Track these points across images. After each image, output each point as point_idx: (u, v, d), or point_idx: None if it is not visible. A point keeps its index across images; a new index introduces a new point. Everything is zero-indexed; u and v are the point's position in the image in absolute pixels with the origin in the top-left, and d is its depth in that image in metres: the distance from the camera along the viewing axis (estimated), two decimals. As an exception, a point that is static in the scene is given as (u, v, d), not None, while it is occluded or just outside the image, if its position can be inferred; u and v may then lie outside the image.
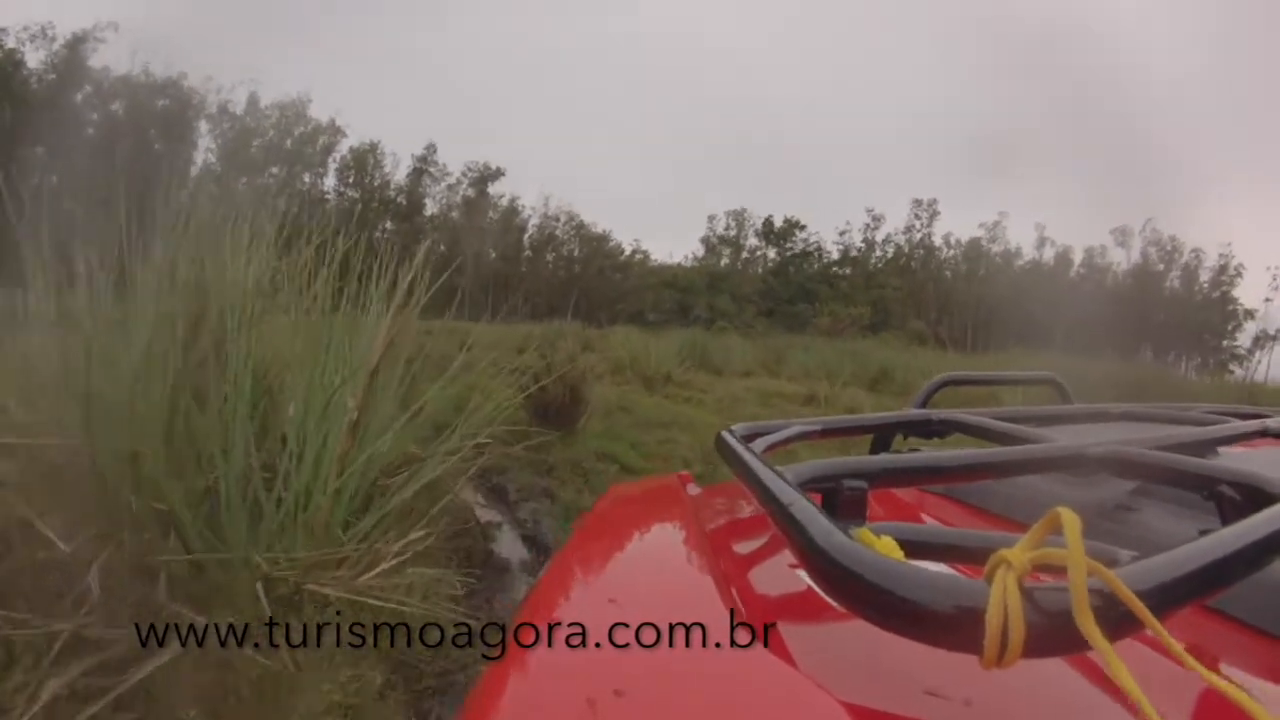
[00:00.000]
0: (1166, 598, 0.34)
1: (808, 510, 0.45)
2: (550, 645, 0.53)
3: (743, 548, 0.72)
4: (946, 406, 0.97)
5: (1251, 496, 0.52)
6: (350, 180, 65.78)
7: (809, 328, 42.82)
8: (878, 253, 66.80)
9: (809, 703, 0.39)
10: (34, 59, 51.36)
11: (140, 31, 59.50)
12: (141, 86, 55.15)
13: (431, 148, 69.00)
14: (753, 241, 69.81)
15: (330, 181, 65.49)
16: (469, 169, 70.12)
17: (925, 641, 0.35)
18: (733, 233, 69.99)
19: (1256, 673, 0.50)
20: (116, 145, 52.09)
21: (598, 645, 0.51)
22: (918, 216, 65.95)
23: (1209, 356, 62.07)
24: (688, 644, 0.48)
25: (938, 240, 66.62)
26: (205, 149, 59.15)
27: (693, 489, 1.00)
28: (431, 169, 69.06)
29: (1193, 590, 0.37)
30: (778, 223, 67.02)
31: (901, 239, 66.67)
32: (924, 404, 1.02)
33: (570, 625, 0.56)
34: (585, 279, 73.65)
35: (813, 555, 0.41)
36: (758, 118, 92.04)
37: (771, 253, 67.81)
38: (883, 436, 0.93)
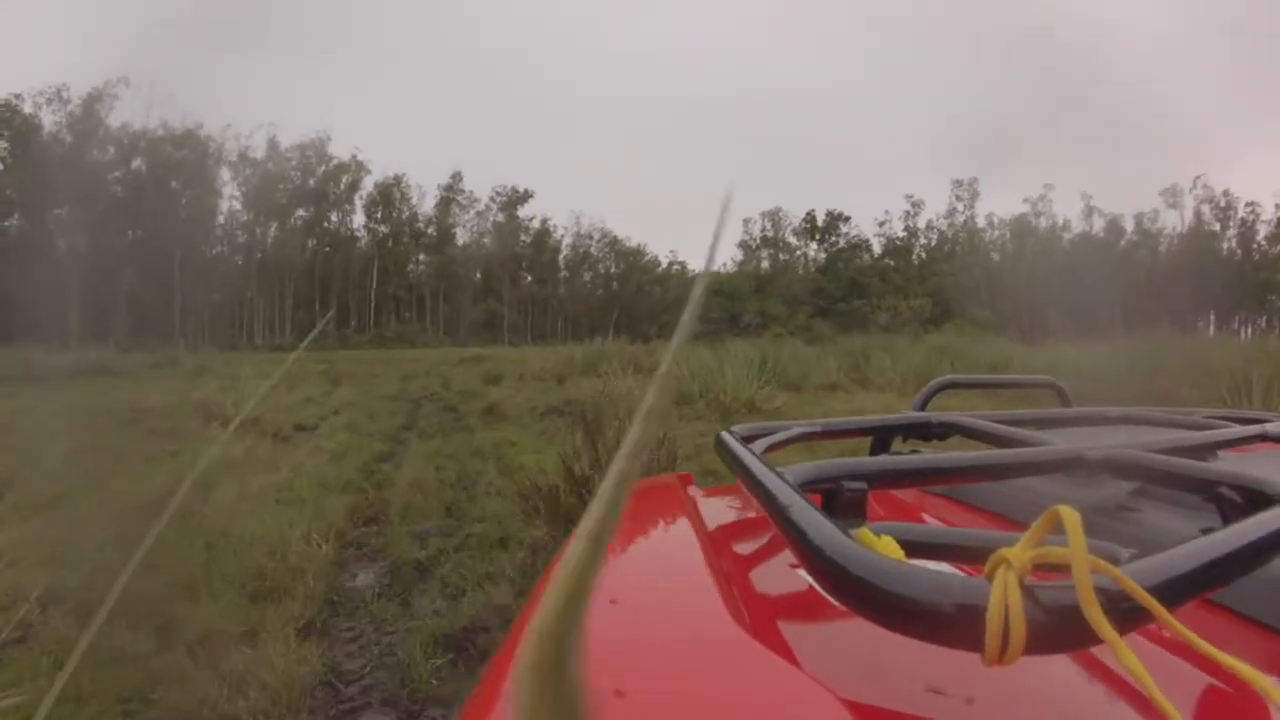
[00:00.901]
0: (1168, 595, 0.34)
1: (808, 511, 0.45)
2: None
3: (743, 548, 0.73)
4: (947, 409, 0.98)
5: (1252, 499, 0.52)
6: (378, 215, 64.04)
7: (867, 325, 39.84)
8: (921, 240, 63.93)
9: (810, 702, 0.39)
10: (50, 120, 51.35)
11: (152, 84, 58.97)
12: (160, 140, 54.35)
13: (457, 176, 68.22)
14: (791, 240, 67.50)
15: (359, 219, 64.33)
16: (497, 193, 69.14)
17: (927, 640, 0.35)
18: (770, 234, 67.48)
19: (1259, 666, 0.46)
20: (141, 202, 51.32)
21: (598, 645, 0.44)
22: (959, 198, 62.93)
23: (1276, 318, 58.09)
24: (689, 644, 0.49)
25: (980, 221, 63.56)
26: (229, 196, 58.49)
27: (693, 490, 1.01)
28: (459, 197, 67.98)
29: (1193, 588, 0.37)
30: (819, 218, 64.40)
31: (943, 223, 63.71)
32: (923, 406, 1.02)
33: None
34: (624, 295, 72.44)
35: (813, 555, 0.41)
36: (777, 114, 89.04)
37: (813, 249, 65.03)
38: (882, 438, 0.92)
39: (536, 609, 0.52)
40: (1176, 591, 0.35)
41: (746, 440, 0.72)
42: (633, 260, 73.63)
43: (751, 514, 0.79)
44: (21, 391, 16.82)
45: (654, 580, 0.66)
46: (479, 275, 67.75)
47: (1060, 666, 0.44)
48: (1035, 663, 0.33)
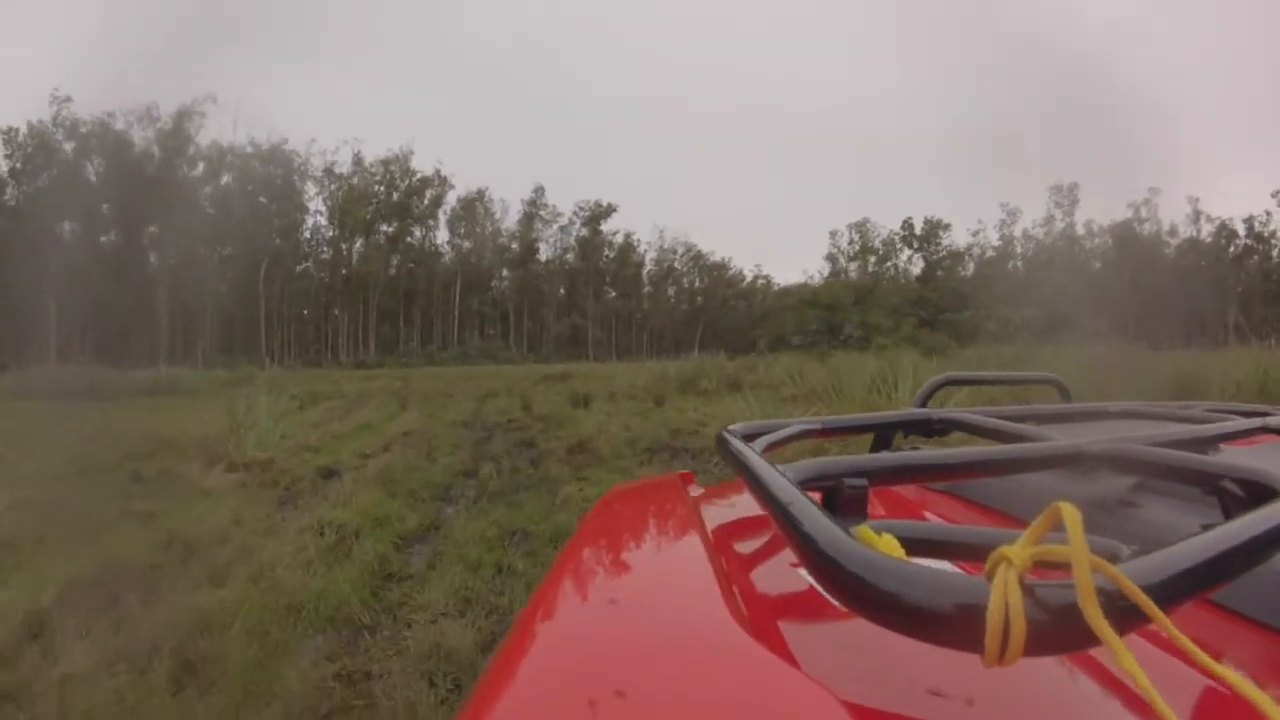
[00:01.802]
0: (1170, 592, 0.34)
1: (808, 509, 0.44)
2: (551, 645, 0.54)
3: (744, 547, 0.73)
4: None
5: (1254, 492, 0.51)
6: (461, 230, 62.44)
7: (977, 335, 36.09)
8: (1019, 249, 59.35)
9: (810, 702, 0.38)
10: (140, 137, 51.05)
11: (239, 101, 58.67)
12: (247, 156, 53.99)
13: (540, 190, 66.18)
14: (879, 249, 63.51)
15: (442, 234, 62.92)
16: (580, 208, 67.05)
17: (926, 640, 0.35)
18: (857, 246, 63.85)
19: (1259, 666, 0.49)
20: (229, 218, 50.82)
21: (599, 645, 0.51)
22: (1058, 205, 58.07)
23: None
24: (689, 644, 0.48)
25: (1079, 229, 58.67)
26: (315, 211, 57.83)
27: (694, 489, 1.00)
28: (542, 211, 66.09)
29: (1196, 584, 0.36)
30: (918, 225, 60.34)
31: (1040, 231, 59.00)
32: (924, 403, 1.00)
33: (572, 625, 0.58)
34: (709, 310, 70.12)
35: (813, 554, 0.40)
36: (862, 122, 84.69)
37: (904, 258, 61.05)
38: (883, 435, 0.91)
39: (536, 609, 0.60)
40: (1178, 589, 0.34)
41: (747, 438, 0.70)
42: (717, 275, 71.36)
43: (752, 513, 0.76)
44: (47, 411, 15.14)
45: (654, 580, 0.67)
46: (562, 290, 65.77)
47: (1061, 667, 0.44)
48: (1036, 663, 0.33)
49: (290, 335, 54.89)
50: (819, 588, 0.42)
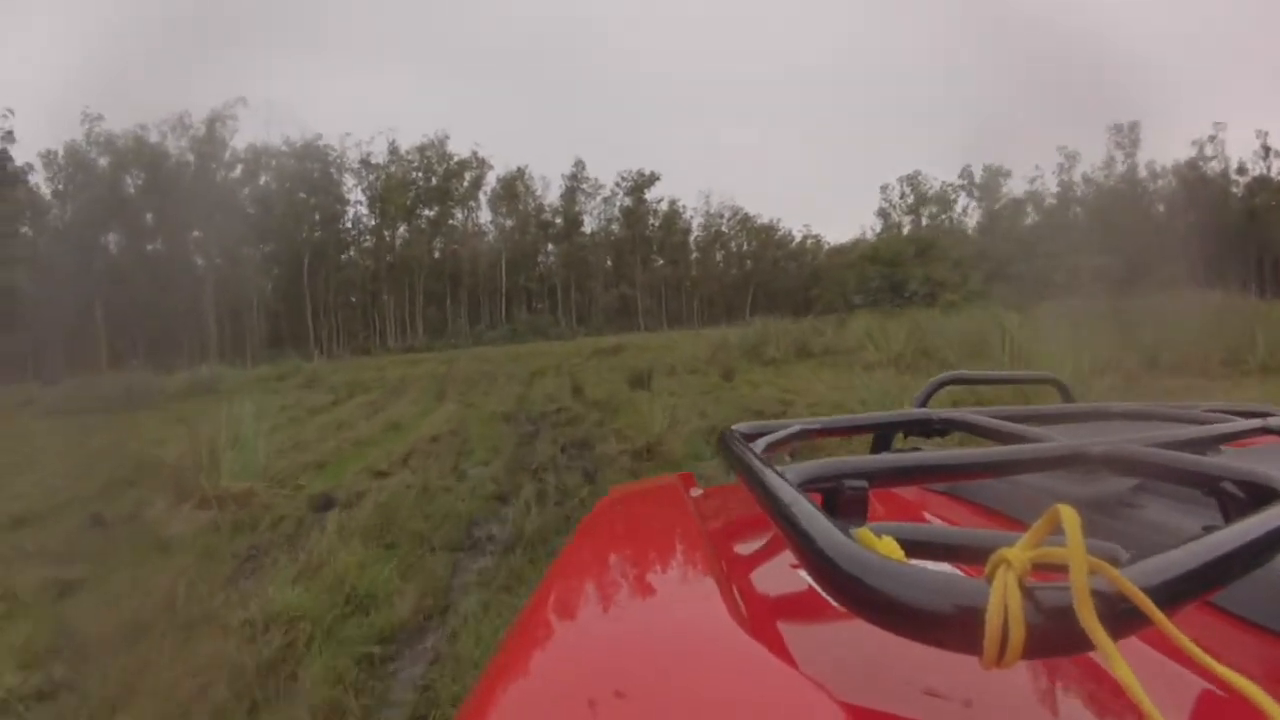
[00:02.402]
0: (1170, 595, 0.34)
1: (808, 510, 0.44)
2: (552, 645, 0.54)
3: (744, 548, 0.73)
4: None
5: (1254, 493, 0.50)
6: (503, 210, 60.89)
7: (1047, 288, 33.37)
8: (1079, 194, 55.01)
9: (809, 703, 0.38)
10: (175, 146, 50.22)
11: (270, 102, 57.70)
12: (283, 155, 53.45)
13: (580, 164, 64.23)
14: (932, 206, 60.49)
15: (485, 215, 61.59)
16: (622, 178, 64.76)
17: (926, 642, 0.35)
18: (910, 199, 60.75)
19: (1260, 669, 0.49)
20: (270, 216, 50.13)
21: (599, 645, 0.52)
22: (1119, 145, 53.70)
23: None
24: (689, 645, 0.48)
25: (1141, 170, 54.31)
26: (355, 202, 56.75)
27: (694, 490, 1.00)
28: (584, 185, 64.08)
29: (1196, 587, 0.36)
30: (977, 173, 56.61)
31: (1101, 174, 54.75)
32: (924, 403, 0.99)
33: (572, 625, 0.57)
34: (759, 273, 67.71)
35: (813, 556, 0.40)
36: (900, 78, 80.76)
37: (959, 209, 57.73)
38: (883, 435, 0.90)
39: (536, 610, 0.60)
40: (1178, 593, 0.35)
41: (747, 438, 0.68)
42: (765, 236, 68.84)
43: (753, 513, 0.70)
44: (68, 428, 13.83)
45: (654, 580, 0.66)
46: (609, 262, 63.89)
47: (1060, 669, 0.44)
48: (1034, 664, 0.34)
49: (338, 325, 53.79)
50: (819, 589, 0.42)
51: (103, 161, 47.86)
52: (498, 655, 0.52)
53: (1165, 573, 0.34)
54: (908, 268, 41.22)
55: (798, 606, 0.58)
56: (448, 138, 58.30)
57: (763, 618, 0.53)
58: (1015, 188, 55.72)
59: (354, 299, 54.73)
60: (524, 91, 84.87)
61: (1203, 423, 0.81)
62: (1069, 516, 0.33)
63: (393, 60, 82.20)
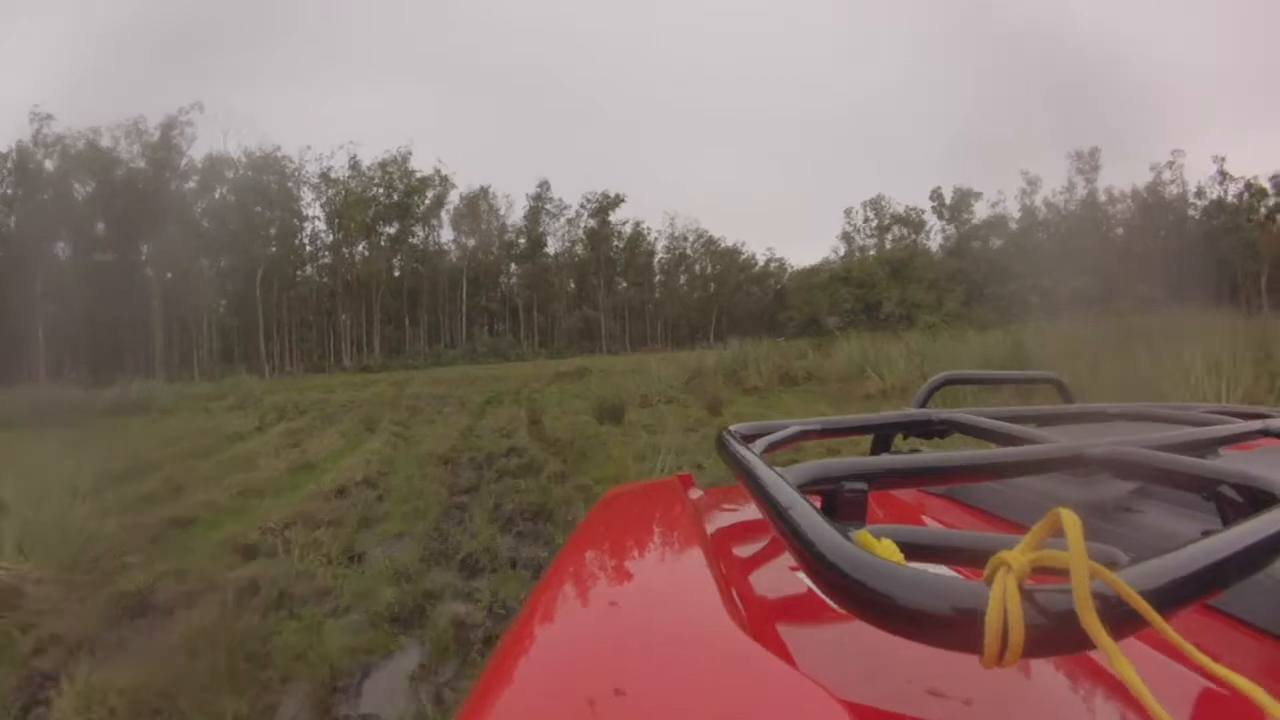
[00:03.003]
0: (1168, 598, 0.33)
1: (807, 513, 0.44)
2: (551, 645, 0.54)
3: (743, 549, 0.72)
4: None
5: (1252, 497, 0.50)
6: (465, 228, 58.75)
7: (1027, 310, 31.86)
8: (1041, 218, 53.34)
9: (809, 703, 0.38)
10: (128, 152, 47.46)
11: (228, 110, 54.93)
12: (240, 164, 50.81)
13: (545, 184, 61.80)
14: (896, 230, 58.73)
15: (446, 234, 59.07)
16: (587, 199, 62.42)
17: (926, 643, 0.34)
18: (873, 223, 59.40)
19: (1258, 671, 0.48)
20: (225, 229, 47.91)
21: (598, 645, 0.51)
22: (1080, 171, 52.35)
23: None
24: (688, 645, 0.48)
25: (1102, 195, 53.03)
26: (313, 217, 54.13)
27: (694, 491, 0.99)
28: (548, 205, 61.76)
29: (1194, 591, 0.36)
30: (947, 195, 54.53)
31: (1061, 199, 53.14)
32: (924, 403, 0.98)
33: (571, 625, 0.57)
34: (723, 296, 65.88)
35: (813, 559, 0.40)
36: (861, 103, 79.81)
37: (927, 231, 55.94)
38: (883, 437, 0.89)
39: (535, 610, 0.61)
40: (1175, 596, 0.34)
41: (747, 440, 0.68)
42: (729, 259, 66.98)
43: (751, 515, 0.75)
44: None
45: (653, 581, 0.66)
46: (572, 284, 61.84)
47: (1059, 669, 0.44)
48: (1034, 665, 0.34)
49: (292, 342, 51.03)
50: (818, 591, 0.42)
51: (49, 164, 44.96)
52: (497, 655, 0.52)
53: (1163, 576, 0.34)
54: (881, 289, 39.25)
55: (797, 608, 0.57)
56: (410, 153, 55.77)
57: (761, 619, 0.53)
58: (982, 211, 54.70)
59: (310, 316, 51.85)
60: (488, 110, 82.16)
61: (1202, 424, 0.81)
62: (1070, 520, 0.33)
63: (356, 75, 79.52)
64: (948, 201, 53.97)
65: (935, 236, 55.52)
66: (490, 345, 54.45)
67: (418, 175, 56.10)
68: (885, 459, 0.65)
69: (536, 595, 0.64)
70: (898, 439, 0.89)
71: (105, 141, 45.98)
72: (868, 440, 0.88)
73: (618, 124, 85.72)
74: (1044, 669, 0.43)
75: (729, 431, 0.71)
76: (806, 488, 0.50)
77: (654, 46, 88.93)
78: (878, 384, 12.79)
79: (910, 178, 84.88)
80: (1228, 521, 0.47)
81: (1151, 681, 0.31)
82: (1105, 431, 0.83)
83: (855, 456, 0.59)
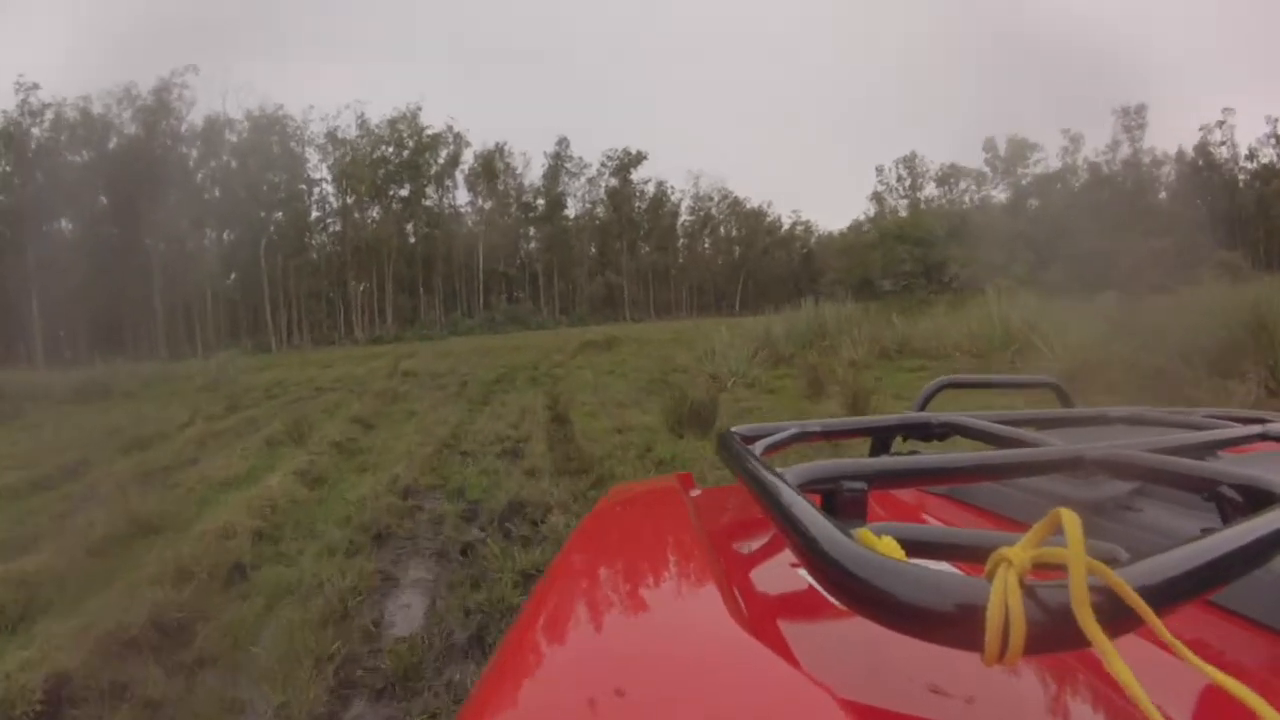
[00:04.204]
0: (1165, 595, 0.33)
1: (808, 511, 0.43)
2: (552, 645, 0.53)
3: (743, 548, 0.72)
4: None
5: (1252, 497, 0.49)
6: (481, 189, 54.48)
7: (1109, 273, 27.40)
8: (1102, 174, 48.50)
9: (810, 702, 0.38)
10: (124, 118, 43.72)
11: (225, 70, 50.65)
12: (239, 127, 46.85)
13: (564, 141, 57.28)
14: (929, 190, 54.38)
15: (462, 196, 54.81)
16: (608, 158, 58.02)
17: (927, 639, 0.34)
18: (907, 182, 54.61)
19: (1258, 667, 0.48)
20: (226, 192, 44.96)
21: (598, 645, 0.51)
22: (1126, 129, 47.63)
23: None
24: (689, 644, 0.47)
25: (1148, 155, 48.45)
26: (321, 180, 49.93)
27: (694, 490, 0.96)
28: (568, 164, 57.39)
29: (1191, 589, 0.36)
30: (1001, 145, 48.93)
31: (1103, 159, 48.55)
32: (923, 406, 0.98)
33: (571, 625, 0.56)
34: (749, 260, 61.82)
35: (813, 555, 0.39)
36: (888, 59, 74.31)
37: (961, 188, 51.23)
38: (882, 439, 0.86)
39: (537, 609, 0.59)
40: (1174, 593, 0.34)
41: (747, 440, 0.67)
42: (755, 222, 62.55)
43: (751, 514, 0.74)
44: None
45: (654, 580, 0.65)
46: (594, 248, 57.63)
47: (1060, 667, 0.43)
48: (1034, 663, 0.33)
49: (300, 313, 47.20)
50: (819, 588, 0.41)
51: (36, 132, 41.15)
52: (499, 654, 0.52)
53: (1162, 573, 0.34)
54: (940, 248, 33.99)
55: (797, 606, 0.56)
56: (420, 109, 51.28)
57: (762, 617, 0.52)
58: (1038, 165, 49.55)
59: (319, 286, 47.83)
60: (504, 66, 77.62)
61: (1201, 428, 0.80)
62: (1069, 518, 0.33)
63: (362, 29, 74.48)
64: (1001, 154, 48.91)
65: (984, 192, 50.85)
66: (509, 313, 50.52)
67: (429, 132, 51.85)
68: (885, 460, 0.64)
69: (538, 595, 0.63)
70: (897, 441, 0.86)
71: (96, 109, 42.45)
72: (867, 444, 0.85)
73: (638, 79, 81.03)
74: (1045, 667, 0.42)
75: (730, 432, 0.69)
76: (806, 487, 0.49)
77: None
78: (1050, 358, 8.54)
79: (943, 136, 78.88)
80: (1228, 521, 0.46)
81: (1152, 678, 0.31)
82: (1105, 435, 0.84)
83: (855, 458, 0.59)
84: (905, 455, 0.69)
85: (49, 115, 41.32)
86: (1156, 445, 0.63)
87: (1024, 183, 48.34)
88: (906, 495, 0.86)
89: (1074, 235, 35.95)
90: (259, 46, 69.26)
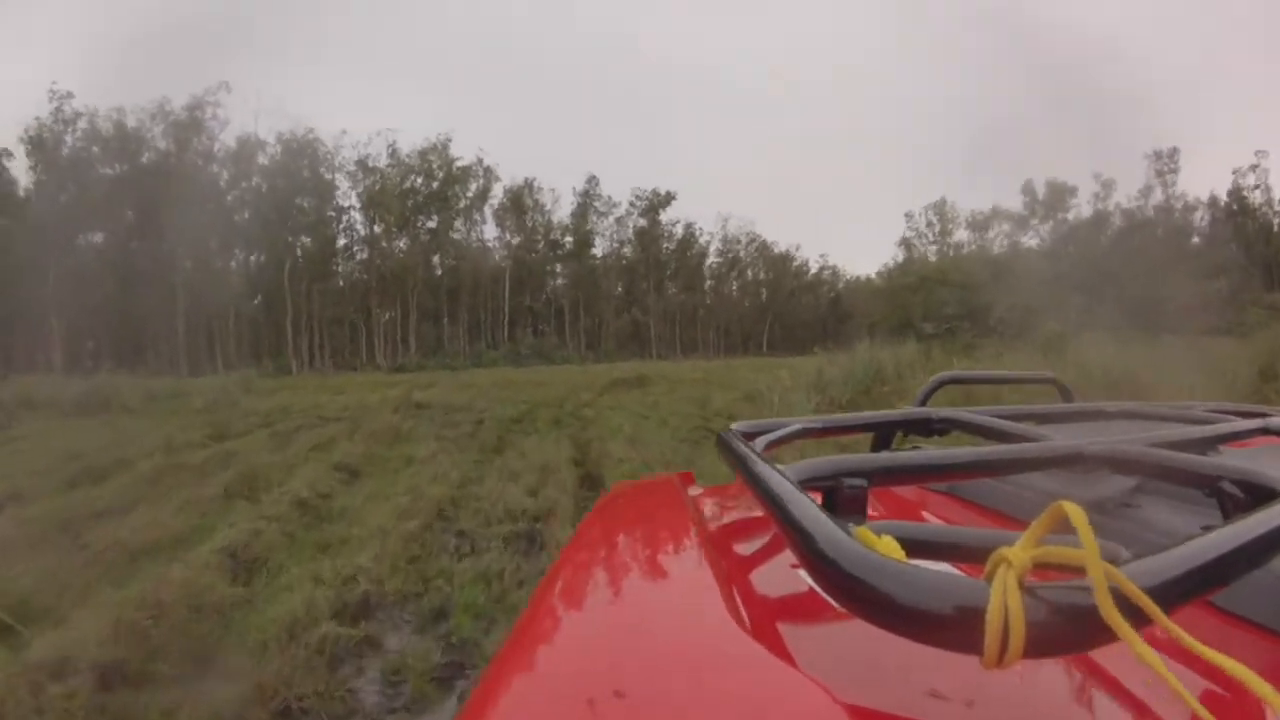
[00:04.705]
0: (1172, 593, 0.33)
1: (808, 509, 0.42)
2: (551, 645, 0.52)
3: (743, 547, 0.70)
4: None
5: (1254, 493, 0.48)
6: (509, 224, 53.42)
7: (1177, 314, 25.89)
8: (1115, 224, 46.87)
9: (809, 702, 0.37)
10: (156, 133, 42.88)
11: (258, 90, 50.22)
12: (270, 149, 46.08)
13: (593, 180, 56.16)
14: (961, 234, 53.24)
15: (490, 230, 53.64)
16: (637, 197, 56.88)
17: (926, 642, 0.33)
18: (936, 228, 53.28)
19: (1259, 668, 0.45)
20: (253, 211, 44.02)
21: (598, 645, 0.50)
22: (1159, 173, 46.27)
23: None
24: (689, 644, 0.47)
25: (1182, 198, 47.13)
26: (349, 207, 48.94)
27: (693, 489, 0.95)
28: (596, 202, 56.24)
29: (1198, 586, 0.35)
30: (1040, 189, 47.46)
31: (1135, 204, 46.81)
32: (924, 402, 0.96)
33: (571, 625, 0.56)
34: (776, 303, 60.64)
35: (813, 555, 0.38)
36: (915, 106, 73.03)
37: (987, 235, 49.50)
38: (883, 435, 0.87)
39: (537, 609, 0.58)
40: (1180, 591, 0.33)
41: (747, 437, 0.66)
42: (782, 265, 61.60)
43: (752, 513, 0.75)
44: None
45: (654, 580, 0.65)
46: (620, 287, 56.40)
47: (1061, 668, 0.43)
48: (1035, 664, 0.33)
49: (324, 337, 45.96)
50: (818, 588, 0.41)
51: (69, 140, 40.42)
52: (501, 653, 0.51)
53: (1166, 571, 0.33)
54: (984, 291, 32.18)
55: (797, 606, 0.56)
56: (450, 140, 50.33)
57: (762, 617, 0.51)
58: (1074, 209, 47.92)
59: (343, 311, 46.74)
60: (534, 103, 76.87)
61: (1202, 423, 0.79)
62: (1077, 515, 0.32)
63: (396, 60, 73.61)
64: (1040, 197, 47.35)
65: (1020, 237, 49.31)
66: (533, 347, 49.08)
67: (459, 164, 50.83)
68: (886, 456, 0.63)
69: (539, 595, 0.62)
70: (898, 437, 0.86)
71: (130, 122, 41.65)
72: (867, 440, 0.84)
73: (669, 119, 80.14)
74: (1046, 668, 0.41)
75: (729, 430, 0.68)
76: (806, 484, 0.48)
77: (708, 38, 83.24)
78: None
79: (970, 184, 77.45)
80: (1229, 517, 0.45)
81: (1153, 678, 0.30)
82: (1105, 430, 0.83)
83: (855, 454, 0.57)
84: (907, 450, 0.68)
85: (81, 125, 40.51)
86: (1157, 440, 0.61)
87: (1064, 228, 46.56)
88: (907, 492, 0.84)
89: (1119, 279, 34.31)
90: (291, 68, 68.92)
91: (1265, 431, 0.78)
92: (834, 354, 14.13)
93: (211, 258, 42.34)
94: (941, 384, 1.05)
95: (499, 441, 8.59)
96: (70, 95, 39.89)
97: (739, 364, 30.61)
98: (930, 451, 0.61)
